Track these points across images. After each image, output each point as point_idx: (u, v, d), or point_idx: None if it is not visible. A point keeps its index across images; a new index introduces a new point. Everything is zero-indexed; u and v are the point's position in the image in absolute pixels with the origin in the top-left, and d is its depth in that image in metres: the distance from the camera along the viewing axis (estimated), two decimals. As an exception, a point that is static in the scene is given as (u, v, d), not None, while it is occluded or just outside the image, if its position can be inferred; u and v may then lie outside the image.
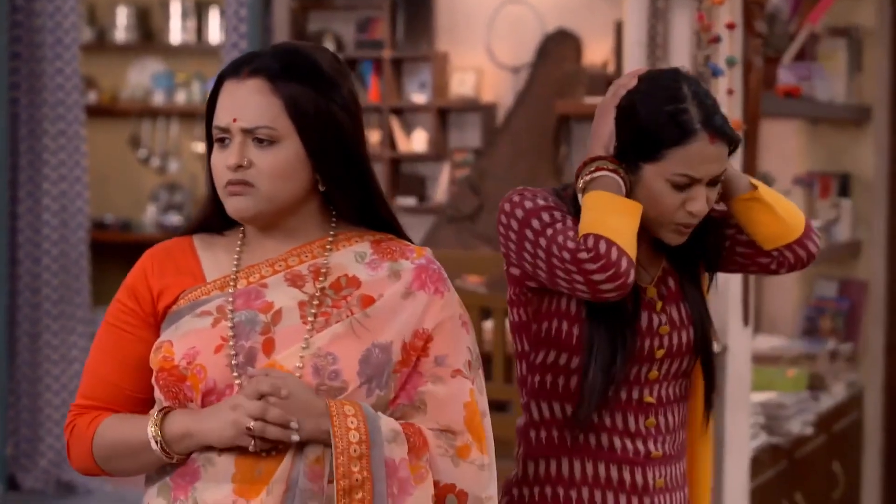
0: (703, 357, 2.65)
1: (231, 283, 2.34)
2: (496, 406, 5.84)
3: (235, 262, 2.36)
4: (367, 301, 2.33)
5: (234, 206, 2.31)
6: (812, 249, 2.64)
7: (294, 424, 2.22)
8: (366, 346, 2.30)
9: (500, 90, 6.90)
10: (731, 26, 3.84)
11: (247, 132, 2.28)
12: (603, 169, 2.54)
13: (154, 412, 2.28)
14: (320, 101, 2.30)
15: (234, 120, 2.28)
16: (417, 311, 2.35)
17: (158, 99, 8.58)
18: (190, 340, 2.29)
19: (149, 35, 8.70)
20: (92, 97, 8.60)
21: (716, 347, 2.73)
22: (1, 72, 6.32)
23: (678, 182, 2.51)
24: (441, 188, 6.94)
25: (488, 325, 5.49)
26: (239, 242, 2.38)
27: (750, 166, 4.17)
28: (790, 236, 2.61)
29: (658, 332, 2.61)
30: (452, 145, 6.99)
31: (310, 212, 2.35)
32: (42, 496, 5.92)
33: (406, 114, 7.10)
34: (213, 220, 2.40)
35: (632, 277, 2.47)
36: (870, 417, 6.09)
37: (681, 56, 3.98)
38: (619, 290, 2.47)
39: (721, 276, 2.75)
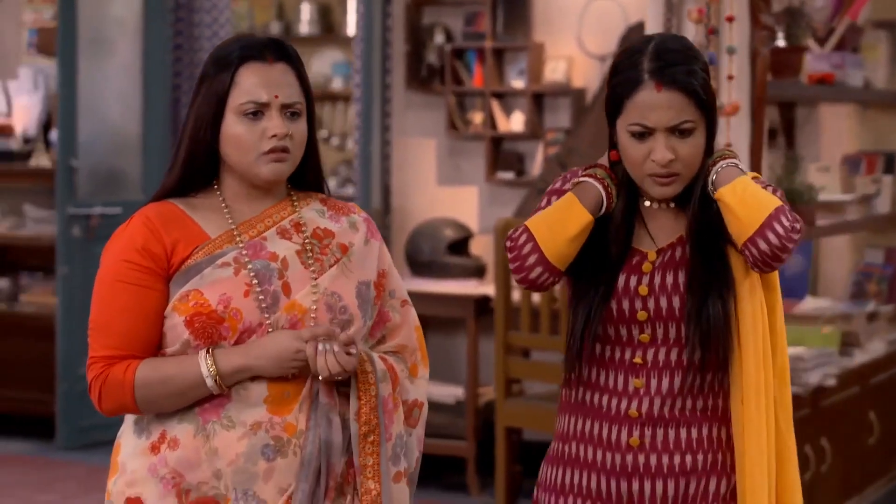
0: (690, 323, 2.54)
1: (236, 238, 2.50)
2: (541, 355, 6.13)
3: (230, 220, 2.52)
4: (344, 248, 2.56)
5: (274, 170, 2.49)
6: (762, 247, 2.46)
7: (353, 349, 2.46)
8: (355, 284, 2.54)
9: (588, 76, 7.01)
10: (730, 19, 4.17)
11: (285, 107, 2.48)
12: (589, 175, 2.57)
13: (203, 354, 2.44)
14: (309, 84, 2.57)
15: (276, 96, 2.47)
16: (376, 254, 2.61)
17: (337, 85, 8.66)
18: (219, 288, 2.45)
19: (329, 28, 8.82)
20: (281, 84, 9.08)
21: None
22: (165, 61, 7.06)
23: (635, 131, 2.50)
24: (536, 164, 7.08)
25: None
26: (223, 204, 2.54)
27: (756, 146, 4.38)
28: (744, 235, 2.49)
29: (638, 293, 2.57)
30: (546, 126, 7.14)
31: None
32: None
33: (506, 97, 7.24)
34: (181, 186, 2.55)
35: (538, 274, 2.51)
36: (912, 372, 6.14)
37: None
38: (524, 282, 2.52)
39: None
